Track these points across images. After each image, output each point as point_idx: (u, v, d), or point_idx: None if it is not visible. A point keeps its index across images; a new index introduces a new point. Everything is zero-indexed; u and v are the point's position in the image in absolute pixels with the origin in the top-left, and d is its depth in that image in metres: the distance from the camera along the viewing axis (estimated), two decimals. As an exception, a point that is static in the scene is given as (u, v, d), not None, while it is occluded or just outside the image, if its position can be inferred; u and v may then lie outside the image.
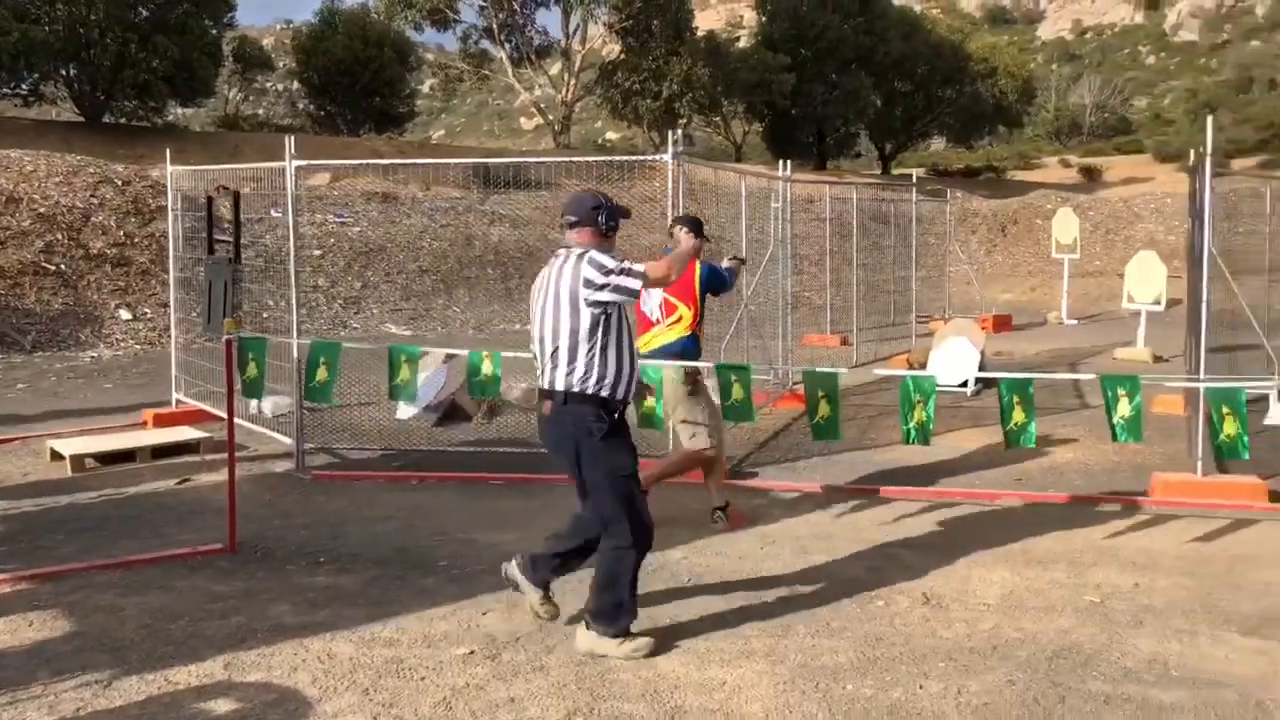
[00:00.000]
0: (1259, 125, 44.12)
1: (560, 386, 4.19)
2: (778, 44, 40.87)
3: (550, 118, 41.66)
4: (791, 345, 11.08)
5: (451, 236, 20.70)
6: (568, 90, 39.39)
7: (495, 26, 39.59)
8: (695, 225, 6.11)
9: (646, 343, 6.12)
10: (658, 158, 7.86)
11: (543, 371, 4.30)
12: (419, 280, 19.14)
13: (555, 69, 42.09)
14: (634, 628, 4.32)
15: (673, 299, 6.06)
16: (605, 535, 4.30)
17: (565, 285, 4.17)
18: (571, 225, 4.31)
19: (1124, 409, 5.21)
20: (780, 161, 11.54)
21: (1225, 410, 5.16)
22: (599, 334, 4.17)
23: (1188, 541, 5.76)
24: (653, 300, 6.07)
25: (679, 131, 7.81)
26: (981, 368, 10.78)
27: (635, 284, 4.16)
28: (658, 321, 6.12)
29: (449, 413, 9.36)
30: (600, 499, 4.29)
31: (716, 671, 4.13)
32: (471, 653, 4.33)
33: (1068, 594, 4.95)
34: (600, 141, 74.18)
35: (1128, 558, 5.48)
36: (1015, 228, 29.10)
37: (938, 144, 58.35)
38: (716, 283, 6.21)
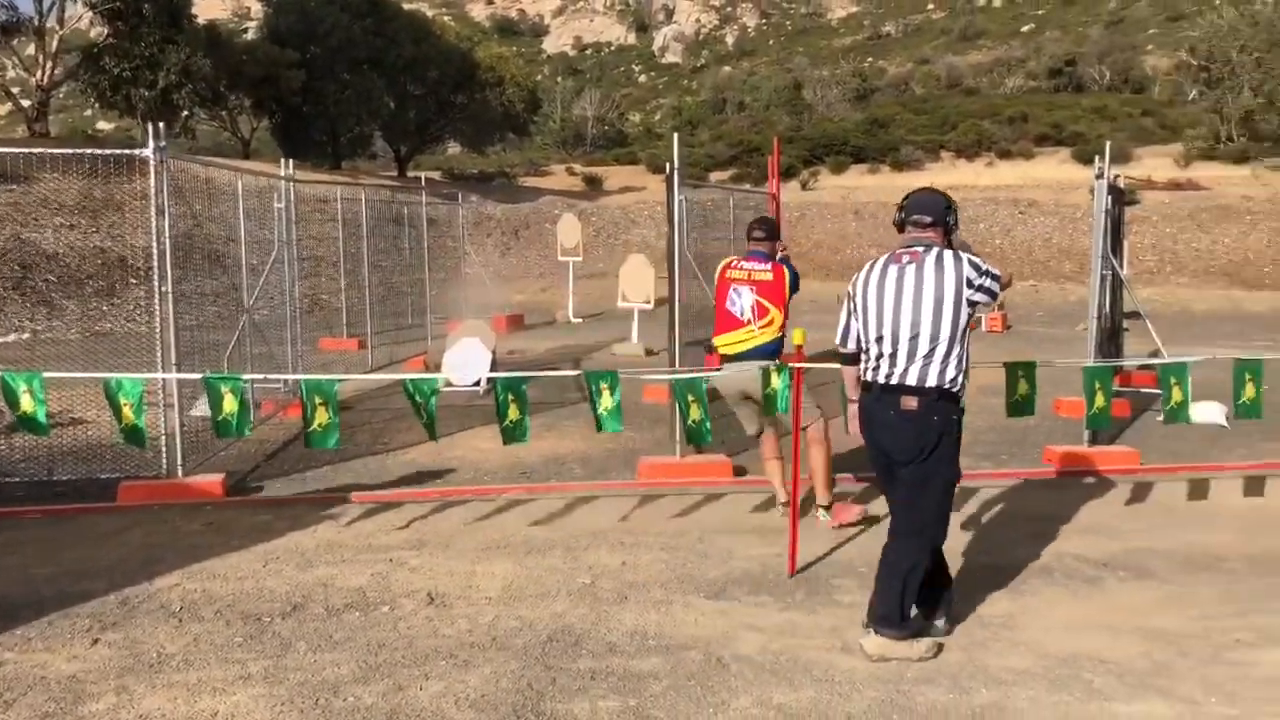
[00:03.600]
0: (731, 142, 49.64)
1: (933, 383, 4.22)
2: (286, 38, 39.30)
3: (26, 104, 36.78)
4: (304, 350, 10.72)
5: (-107, 236, 17.69)
6: (43, 74, 35.02)
7: (-53, -4, 34.21)
8: (770, 228, 6.32)
9: (741, 341, 6.16)
10: (138, 152, 7.25)
11: (895, 368, 4.26)
12: None
13: (30, 49, 37.25)
14: None
15: (765, 301, 6.11)
16: (909, 536, 4.31)
17: (947, 282, 4.20)
18: (926, 225, 4.32)
19: (606, 401, 5.63)
20: (283, 160, 11.13)
21: (690, 398, 5.75)
22: (966, 332, 4.28)
23: (669, 518, 6.36)
24: (744, 301, 6.14)
25: (161, 125, 7.20)
26: (494, 367, 11.14)
27: (996, 287, 4.31)
28: (749, 322, 6.13)
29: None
30: (930, 498, 4.30)
31: (208, 703, 3.88)
32: (-94, 724, 3.72)
33: (563, 578, 5.25)
34: (91, 132, 67.04)
35: (617, 538, 5.93)
36: (527, 231, 30.44)
37: (454, 149, 59.37)
38: (797, 284, 6.30)
